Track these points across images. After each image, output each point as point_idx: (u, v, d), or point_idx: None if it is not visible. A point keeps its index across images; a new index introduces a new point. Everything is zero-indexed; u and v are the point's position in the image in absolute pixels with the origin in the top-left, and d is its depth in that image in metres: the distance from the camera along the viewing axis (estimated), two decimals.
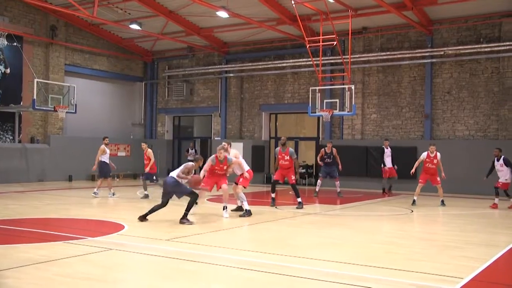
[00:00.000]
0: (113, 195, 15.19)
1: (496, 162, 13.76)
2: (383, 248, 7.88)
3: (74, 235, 8.23)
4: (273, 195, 13.35)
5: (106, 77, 24.54)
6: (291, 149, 13.00)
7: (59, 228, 9.23)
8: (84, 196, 15.51)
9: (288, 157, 12.83)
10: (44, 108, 19.90)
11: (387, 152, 16.51)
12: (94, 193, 15.14)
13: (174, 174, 10.06)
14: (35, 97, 19.21)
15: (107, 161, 15.12)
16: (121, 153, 24.50)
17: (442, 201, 13.92)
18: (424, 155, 13.94)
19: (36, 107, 19.33)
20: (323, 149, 16.55)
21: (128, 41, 24.48)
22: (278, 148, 13.11)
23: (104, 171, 15.06)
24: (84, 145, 22.54)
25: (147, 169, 15.04)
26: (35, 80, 19.64)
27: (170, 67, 25.84)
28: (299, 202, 12.91)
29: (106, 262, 6.48)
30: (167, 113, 26.16)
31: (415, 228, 10.50)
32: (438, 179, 13.89)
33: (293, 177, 12.81)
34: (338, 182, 16.57)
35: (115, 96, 25.22)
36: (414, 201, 13.93)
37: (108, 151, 15.21)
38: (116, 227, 9.21)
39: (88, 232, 8.64)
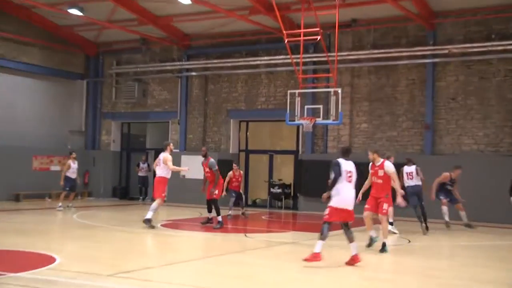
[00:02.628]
0: (67, 207, 18.51)
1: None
2: (373, 285, 7.91)
3: None
4: (209, 215, 14.83)
5: (38, 73, 24.07)
6: (212, 160, 14.64)
7: None
8: (6, 221, 15.15)
9: (208, 169, 14.55)
10: None
11: None
12: (60, 207, 18.22)
13: (419, 182, 14.40)
14: None
15: (73, 176, 18.66)
16: (55, 167, 24.02)
17: (383, 245, 10.89)
18: (370, 165, 11.60)
19: None
20: (448, 174, 15.24)
21: (66, 29, 24.14)
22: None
23: (68, 185, 18.54)
24: (7, 156, 21.98)
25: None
26: None
27: (118, 63, 25.57)
28: (219, 221, 14.24)
29: None
30: (114, 118, 25.87)
31: (411, 261, 10.54)
32: (385, 206, 11.06)
33: (216, 192, 14.34)
34: (464, 212, 15.36)
35: (49, 96, 24.78)
36: (371, 239, 11.17)
37: (73, 165, 18.66)
38: (45, 260, 8.97)
39: (10, 267, 8.38)
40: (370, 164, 11.44)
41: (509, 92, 18.50)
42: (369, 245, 11.09)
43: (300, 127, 20.47)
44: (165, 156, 13.92)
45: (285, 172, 23.22)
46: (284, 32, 17.40)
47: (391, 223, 14.03)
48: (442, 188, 15.17)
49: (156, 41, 23.84)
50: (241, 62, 22.47)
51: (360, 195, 11.16)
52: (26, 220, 15.48)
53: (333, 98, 17.52)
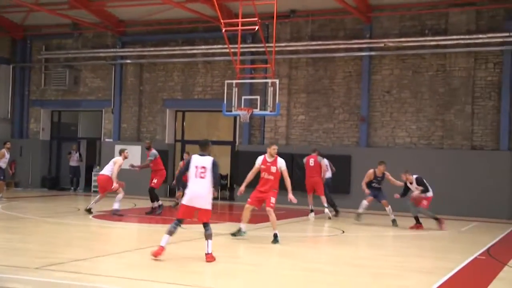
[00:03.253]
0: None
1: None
2: (305, 276, 8.10)
3: None
4: (152, 204, 15.84)
5: None
6: (153, 151, 15.89)
7: None
8: None
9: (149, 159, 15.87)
10: None
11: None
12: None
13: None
14: None
15: (3, 166, 18.63)
16: None
17: (275, 236, 10.97)
18: (259, 160, 11.35)
19: None
20: (372, 171, 15.02)
21: None
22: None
23: (2, 175, 18.60)
24: None
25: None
26: None
27: (48, 48, 25.03)
28: (160, 205, 15.63)
29: None
30: (43, 106, 25.32)
31: (345, 252, 10.87)
32: (273, 200, 11.08)
33: (154, 181, 15.72)
34: (390, 206, 14.98)
35: None
36: (239, 230, 11.38)
37: (7, 155, 18.78)
38: None
39: None
40: (261, 158, 11.25)
41: (441, 87, 19.23)
42: (234, 234, 11.32)
43: (237, 118, 20.63)
44: (118, 159, 15.31)
45: (222, 163, 23.17)
46: (221, 21, 17.43)
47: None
48: (370, 186, 15.03)
49: (89, 27, 23.42)
50: (178, 50, 22.41)
51: (243, 187, 11.32)
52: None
53: (270, 89, 17.69)
